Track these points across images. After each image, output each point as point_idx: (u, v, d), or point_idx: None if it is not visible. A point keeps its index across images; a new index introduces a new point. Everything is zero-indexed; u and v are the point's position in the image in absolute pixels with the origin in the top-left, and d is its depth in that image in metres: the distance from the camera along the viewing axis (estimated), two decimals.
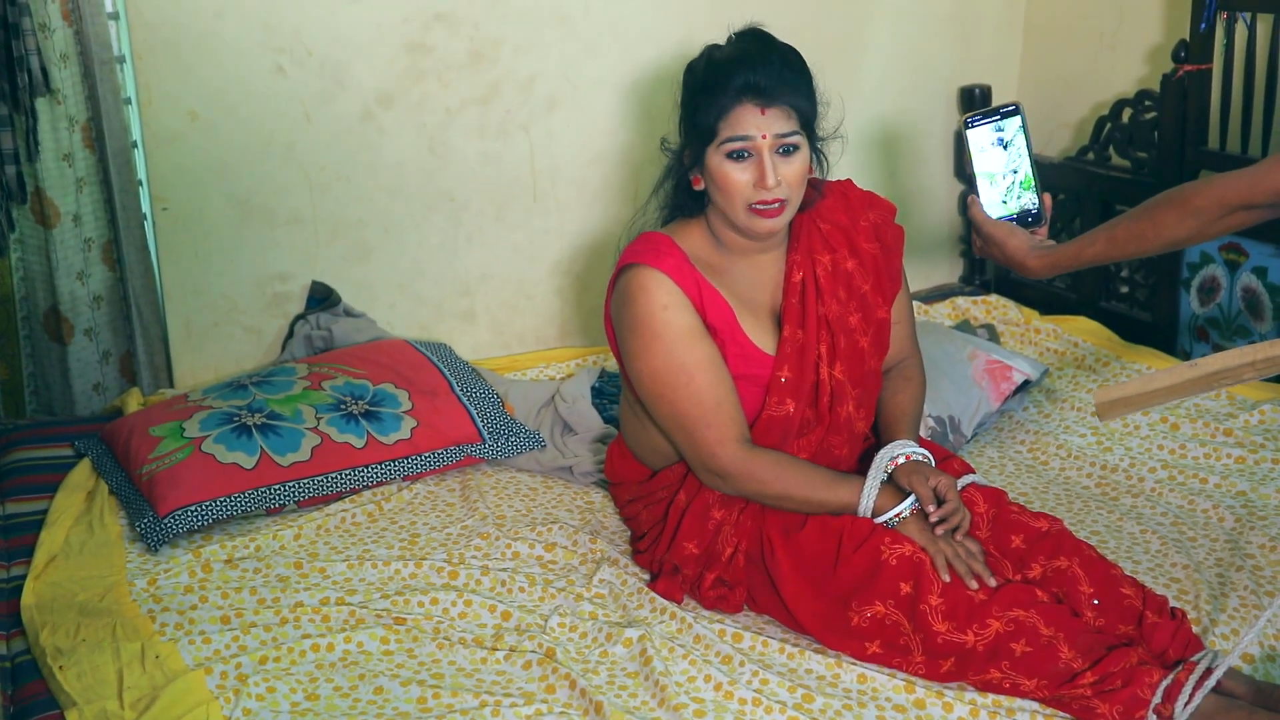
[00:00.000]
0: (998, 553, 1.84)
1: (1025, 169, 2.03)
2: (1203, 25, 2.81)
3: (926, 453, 1.94)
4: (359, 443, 2.28)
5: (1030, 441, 2.54)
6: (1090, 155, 3.17)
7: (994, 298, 3.17)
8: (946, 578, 1.74)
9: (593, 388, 2.60)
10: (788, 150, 1.85)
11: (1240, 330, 2.85)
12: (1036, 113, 3.40)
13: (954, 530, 1.81)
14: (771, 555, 1.86)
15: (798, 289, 1.96)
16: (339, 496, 2.25)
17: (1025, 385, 2.63)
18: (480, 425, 2.40)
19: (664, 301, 1.87)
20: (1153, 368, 2.77)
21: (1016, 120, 2.03)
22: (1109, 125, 3.11)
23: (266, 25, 2.58)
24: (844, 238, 2.01)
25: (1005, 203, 2.03)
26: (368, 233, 2.78)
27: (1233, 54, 2.82)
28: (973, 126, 2.04)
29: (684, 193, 1.96)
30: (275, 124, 2.64)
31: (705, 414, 1.88)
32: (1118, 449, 2.47)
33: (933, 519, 1.81)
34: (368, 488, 2.27)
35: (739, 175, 1.85)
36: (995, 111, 2.04)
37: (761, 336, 1.95)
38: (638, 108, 2.91)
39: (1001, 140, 2.03)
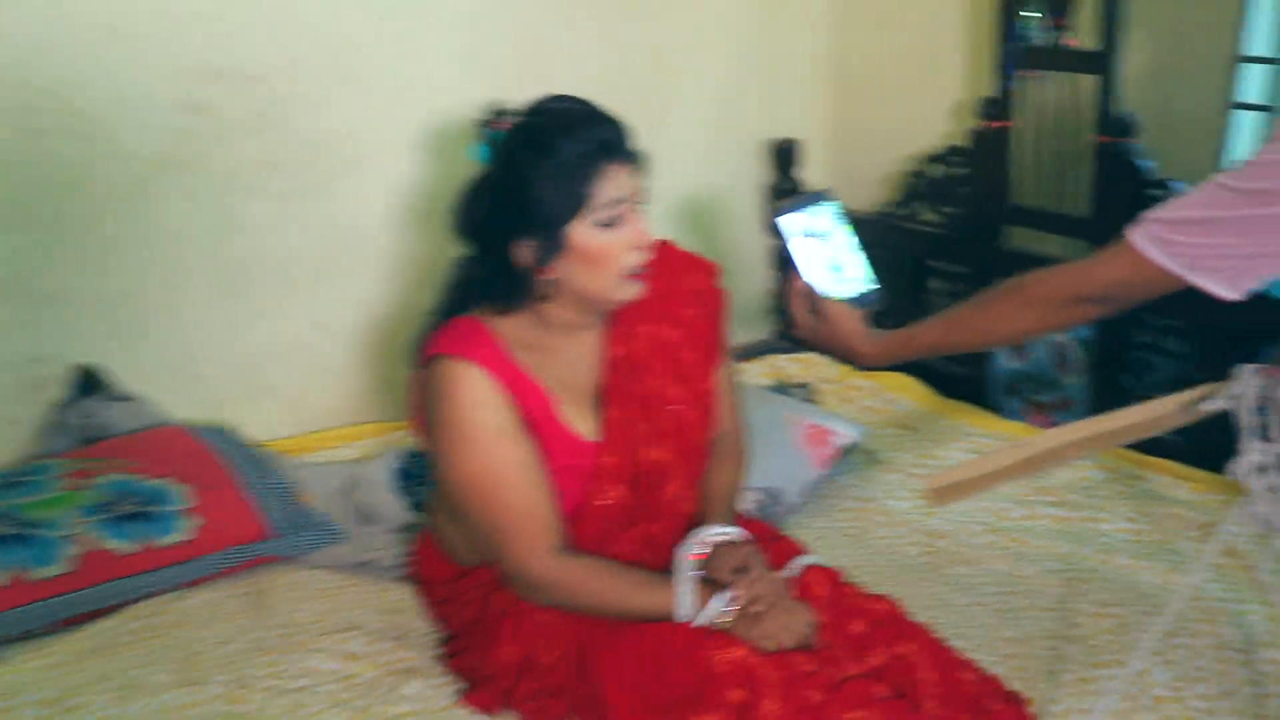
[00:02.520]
0: (838, 640, 1.74)
1: (852, 253, 1.94)
2: (1003, 84, 2.84)
3: (726, 530, 1.81)
4: (131, 548, 2.04)
5: (855, 509, 2.48)
6: (900, 210, 3.17)
7: (810, 354, 3.13)
8: (772, 646, 1.65)
9: (398, 469, 2.42)
10: (642, 208, 1.73)
11: (1050, 384, 2.87)
12: (846, 166, 3.40)
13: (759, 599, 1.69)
14: (596, 663, 1.71)
15: (616, 366, 1.84)
16: (111, 610, 2.00)
17: (850, 447, 2.58)
18: (270, 519, 2.19)
19: (475, 400, 1.71)
20: (972, 425, 2.76)
21: (830, 207, 1.95)
22: (915, 180, 3.12)
23: (21, 83, 2.32)
24: (662, 306, 1.89)
25: (835, 287, 1.93)
26: (143, 309, 2.53)
27: (1029, 111, 2.85)
28: (784, 215, 1.93)
29: (515, 287, 1.76)
30: (34, 192, 2.37)
31: (515, 521, 1.72)
32: (940, 513, 2.43)
33: (739, 603, 1.69)
34: (144, 598, 2.03)
35: (616, 243, 1.70)
36: (804, 200, 1.95)
37: (582, 423, 1.81)
38: (439, 169, 2.76)
39: (818, 228, 1.94)
